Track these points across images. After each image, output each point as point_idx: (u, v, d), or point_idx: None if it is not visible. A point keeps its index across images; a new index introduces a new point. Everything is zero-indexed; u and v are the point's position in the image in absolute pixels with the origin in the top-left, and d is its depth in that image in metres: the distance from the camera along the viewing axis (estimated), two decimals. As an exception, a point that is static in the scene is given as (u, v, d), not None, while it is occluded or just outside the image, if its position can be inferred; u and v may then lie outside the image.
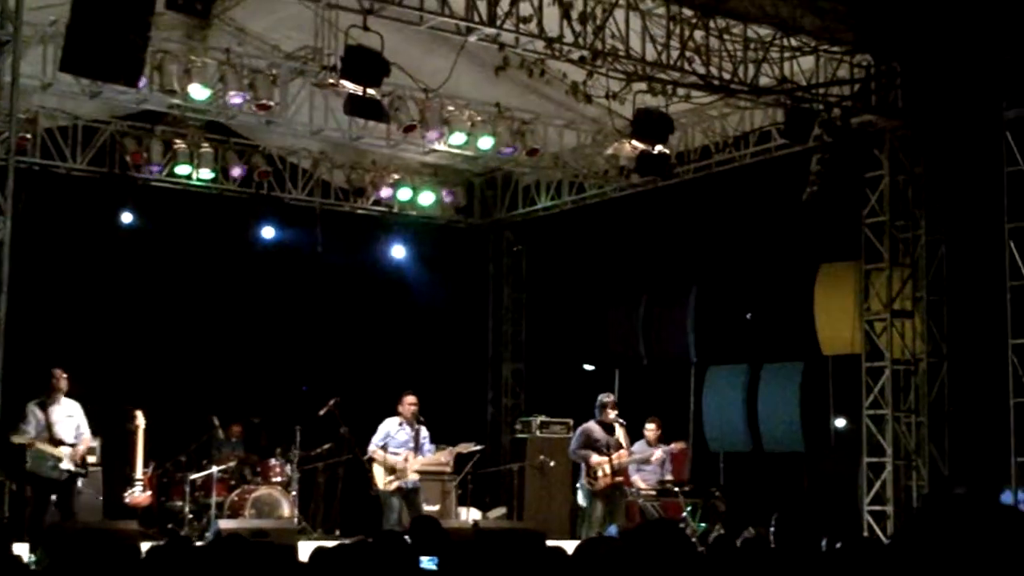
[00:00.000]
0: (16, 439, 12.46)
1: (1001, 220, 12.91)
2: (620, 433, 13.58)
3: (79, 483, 12.68)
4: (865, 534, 13.17)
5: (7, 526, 7.15)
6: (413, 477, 13.64)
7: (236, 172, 16.22)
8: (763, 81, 13.09)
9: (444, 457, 14.53)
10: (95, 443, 13.07)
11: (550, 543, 6.96)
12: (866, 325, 14.20)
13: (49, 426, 12.40)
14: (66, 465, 12.35)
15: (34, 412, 12.43)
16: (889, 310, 13.96)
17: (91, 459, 12.90)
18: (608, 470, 13.28)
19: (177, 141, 15.72)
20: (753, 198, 15.53)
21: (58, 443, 12.39)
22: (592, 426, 13.63)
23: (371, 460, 13.69)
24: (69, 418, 12.61)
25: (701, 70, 12.70)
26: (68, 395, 12.73)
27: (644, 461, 14.26)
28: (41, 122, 14.94)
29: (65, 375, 12.65)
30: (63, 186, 15.38)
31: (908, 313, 13.96)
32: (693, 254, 17.05)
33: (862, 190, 14.18)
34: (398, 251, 18.24)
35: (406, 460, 13.53)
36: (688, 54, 12.56)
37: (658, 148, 13.79)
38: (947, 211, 13.93)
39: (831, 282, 15.45)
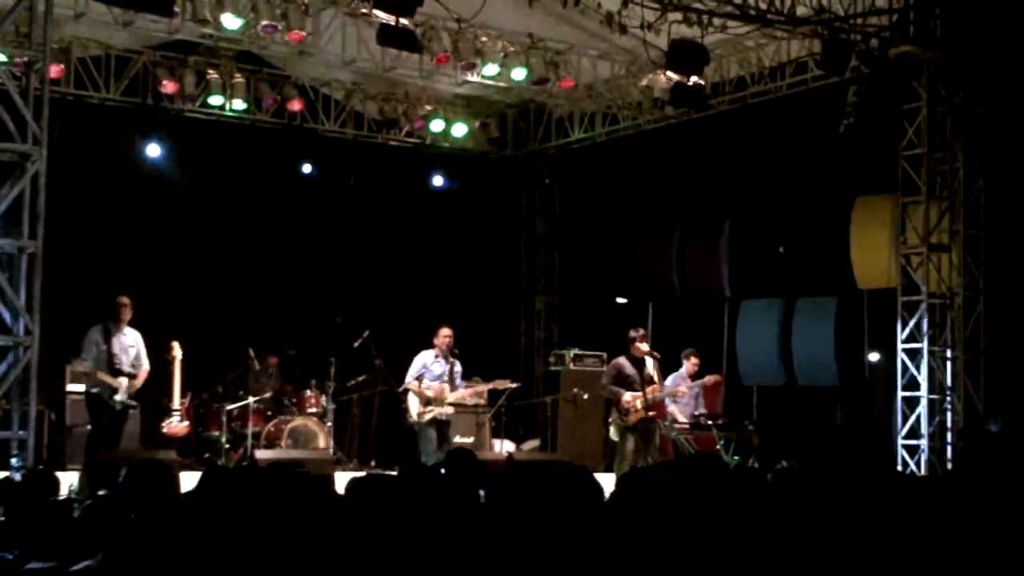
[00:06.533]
0: (78, 368, 12.61)
1: (1041, 152, 12.77)
2: (651, 366, 13.56)
3: (131, 414, 12.85)
4: (899, 468, 13.18)
5: (48, 473, 7.25)
6: (448, 409, 13.71)
7: (269, 102, 16.21)
8: (800, 11, 12.92)
9: (480, 388, 14.65)
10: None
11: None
12: (902, 259, 14.11)
13: (110, 356, 12.51)
14: (120, 397, 12.48)
15: (96, 341, 12.54)
16: (926, 243, 13.85)
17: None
18: (640, 405, 13.27)
19: (210, 71, 15.69)
20: (789, 130, 15.37)
21: (117, 373, 12.51)
22: (622, 361, 13.60)
23: (406, 391, 13.75)
24: (131, 347, 12.72)
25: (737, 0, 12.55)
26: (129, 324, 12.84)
27: (673, 395, 14.25)
28: (74, 52, 14.92)
29: (129, 302, 12.72)
30: (97, 116, 15.38)
31: (945, 247, 13.85)
32: (727, 186, 16.92)
33: (899, 122, 14.03)
34: (436, 180, 18.22)
35: (442, 392, 13.59)
36: (725, -17, 12.41)
37: (693, 79, 13.68)
38: (985, 143, 13.77)
39: (867, 215, 15.31)
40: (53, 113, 11.18)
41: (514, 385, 14.68)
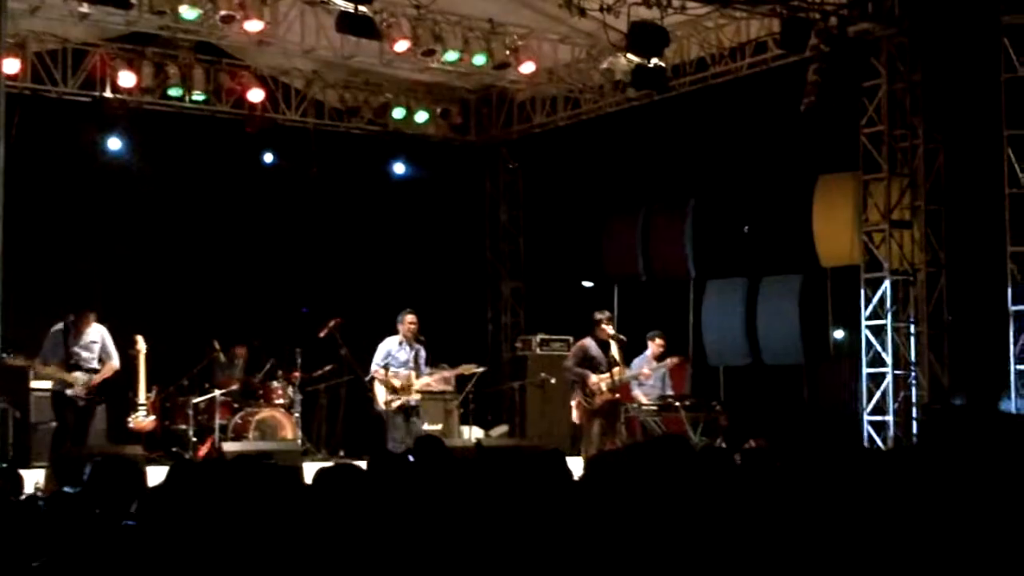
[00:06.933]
0: (12, 361, 12.50)
1: (999, 127, 12.84)
2: (615, 349, 13.58)
3: (98, 410, 12.74)
4: (865, 444, 13.27)
5: (12, 471, 7.24)
6: (415, 396, 13.69)
7: (228, 93, 16.12)
8: (759, -10, 12.94)
9: (447, 374, 14.62)
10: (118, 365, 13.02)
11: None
12: (864, 236, 14.18)
13: (68, 354, 12.44)
14: (73, 391, 12.40)
15: (54, 337, 12.49)
16: (887, 220, 13.92)
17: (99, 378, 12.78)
18: (605, 387, 13.30)
19: (168, 63, 15.58)
20: (750, 110, 15.40)
21: (73, 368, 12.43)
22: (588, 343, 13.63)
23: (372, 379, 13.72)
24: (93, 343, 12.63)
25: (696, -19, 12.56)
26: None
27: (637, 377, 14.27)
28: (30, 46, 14.78)
29: (93, 318, 12.70)
30: (55, 110, 15.25)
31: (907, 223, 13.93)
32: (690, 168, 16.94)
33: (859, 99, 14.07)
34: (396, 168, 18.16)
35: (408, 379, 13.56)
36: (683, -36, 12.41)
37: (654, 61, 13.68)
38: (945, 119, 13.84)
39: (829, 193, 15.38)
40: (10, 108, 11.05)
41: (480, 369, 14.66)
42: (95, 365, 12.58)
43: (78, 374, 12.43)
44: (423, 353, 13.81)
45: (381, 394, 13.56)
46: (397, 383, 13.52)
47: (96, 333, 12.70)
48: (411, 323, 13.68)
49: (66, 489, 5.36)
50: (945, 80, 13.70)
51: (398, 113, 17.40)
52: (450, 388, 15.50)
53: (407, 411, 13.57)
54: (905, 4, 13.48)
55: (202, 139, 16.34)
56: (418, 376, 13.65)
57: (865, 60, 13.74)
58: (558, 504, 4.53)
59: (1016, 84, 12.72)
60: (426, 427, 14.12)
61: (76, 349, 12.50)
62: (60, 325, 12.58)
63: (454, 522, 4.52)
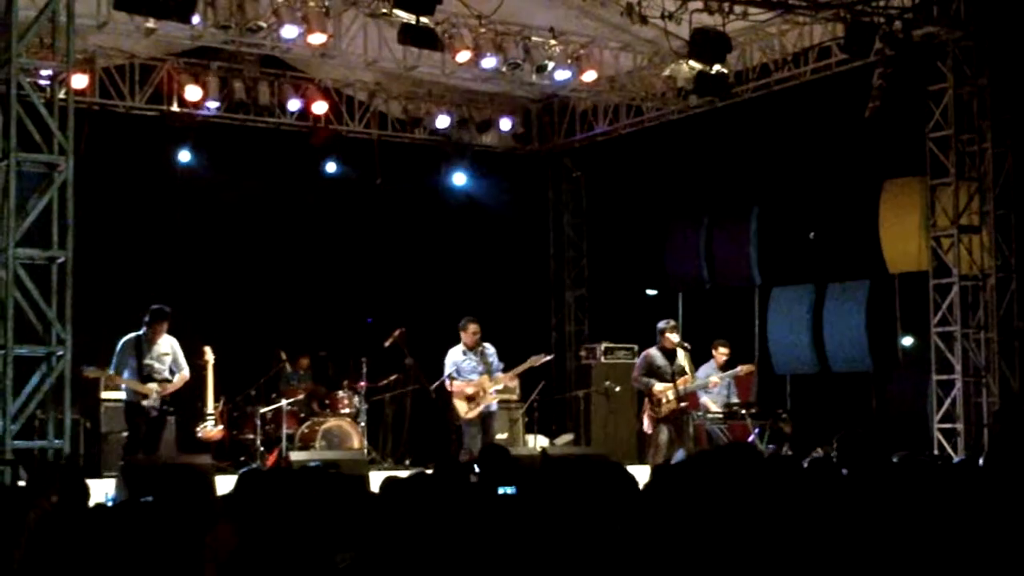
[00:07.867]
0: (89, 373, 12.62)
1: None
2: (683, 358, 13.52)
3: (169, 421, 12.82)
4: (935, 452, 13.10)
5: (80, 482, 7.33)
6: (492, 401, 13.72)
7: (293, 106, 16.26)
8: (822, -5, 12.85)
9: (518, 369, 14.51)
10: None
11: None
12: (932, 241, 14.01)
13: (140, 366, 12.53)
14: (148, 403, 12.48)
15: (127, 349, 12.58)
16: (956, 225, 13.75)
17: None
18: (672, 396, 13.23)
19: (233, 77, 15.74)
20: (814, 115, 15.28)
21: (147, 380, 12.51)
22: (653, 352, 13.57)
23: (447, 392, 13.75)
24: (165, 355, 12.68)
25: (759, -14, 12.50)
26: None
27: (705, 386, 14.17)
28: (98, 61, 15.00)
29: (166, 324, 12.68)
30: (123, 125, 15.47)
31: (975, 228, 13.76)
32: (754, 175, 16.84)
33: (925, 104, 13.92)
34: (459, 178, 18.19)
35: (481, 384, 13.60)
36: (745, -30, 12.36)
37: (716, 68, 13.62)
38: (1013, 122, 13.66)
39: (896, 198, 15.24)
40: (79, 123, 11.23)
41: (548, 357, 14.56)
42: (167, 376, 12.66)
43: (152, 385, 12.52)
44: (491, 350, 13.84)
45: (461, 406, 13.63)
46: (471, 391, 13.58)
47: (167, 344, 12.74)
48: (474, 332, 13.74)
49: (136, 498, 5.43)
50: (1012, 83, 13.52)
51: (460, 123, 17.45)
52: (515, 397, 15.51)
53: (484, 418, 13.62)
54: (970, 7, 13.33)
55: (267, 151, 16.49)
56: (491, 377, 13.68)
57: (931, 64, 13.60)
58: (624, 512, 4.51)
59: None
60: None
61: (149, 360, 12.58)
62: (132, 336, 12.66)
63: (519, 531, 4.51)
